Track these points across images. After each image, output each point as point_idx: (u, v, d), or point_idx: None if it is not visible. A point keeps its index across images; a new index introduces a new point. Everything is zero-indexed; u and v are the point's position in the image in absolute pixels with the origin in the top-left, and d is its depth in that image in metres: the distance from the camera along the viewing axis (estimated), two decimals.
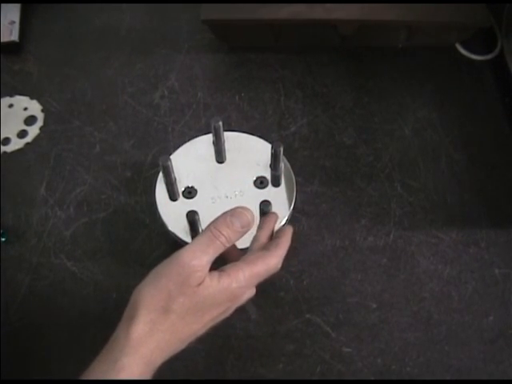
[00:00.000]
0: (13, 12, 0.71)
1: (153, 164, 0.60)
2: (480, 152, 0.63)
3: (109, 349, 0.37)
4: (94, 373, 0.36)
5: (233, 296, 0.40)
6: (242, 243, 0.46)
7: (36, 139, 0.62)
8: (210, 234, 0.40)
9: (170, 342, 0.38)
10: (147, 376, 0.37)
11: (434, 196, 0.59)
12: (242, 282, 0.40)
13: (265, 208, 0.47)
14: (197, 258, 0.38)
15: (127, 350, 0.36)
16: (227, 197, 0.54)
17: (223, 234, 0.40)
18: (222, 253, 0.41)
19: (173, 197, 0.53)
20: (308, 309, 0.53)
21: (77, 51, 0.70)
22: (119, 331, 0.37)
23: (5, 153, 0.61)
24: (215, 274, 0.39)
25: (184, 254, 0.38)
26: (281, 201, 0.54)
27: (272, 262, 0.42)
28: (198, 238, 0.40)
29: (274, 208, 0.49)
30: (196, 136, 0.58)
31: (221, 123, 0.51)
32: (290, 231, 0.47)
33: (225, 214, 0.42)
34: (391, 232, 0.57)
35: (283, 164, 0.54)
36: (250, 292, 0.43)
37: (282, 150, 0.50)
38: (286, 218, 0.53)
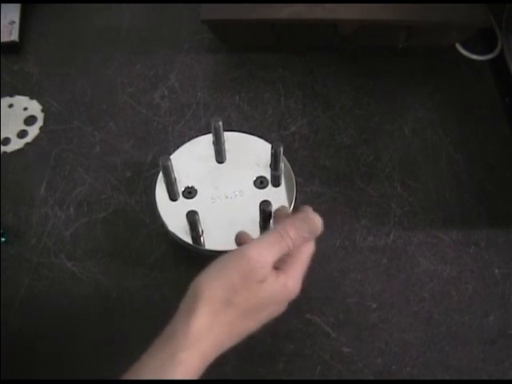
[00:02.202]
0: (13, 12, 0.71)
1: (153, 164, 0.60)
2: (480, 152, 0.63)
3: (165, 342, 0.36)
4: (147, 367, 0.35)
5: (289, 295, 0.40)
6: (234, 245, 0.46)
7: (36, 139, 0.62)
8: (277, 234, 0.39)
9: (225, 337, 0.37)
10: (201, 371, 0.36)
11: (434, 196, 0.59)
12: (296, 279, 0.39)
13: (265, 208, 0.47)
14: (263, 254, 0.38)
15: (186, 344, 0.35)
16: (227, 197, 0.54)
17: (290, 236, 0.39)
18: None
19: (173, 197, 0.53)
20: (308, 309, 0.52)
21: (77, 51, 0.70)
22: (177, 324, 0.36)
23: (5, 153, 0.61)
24: (273, 271, 0.39)
25: (250, 249, 0.38)
26: (281, 201, 0.54)
27: (311, 249, 0.42)
28: (265, 236, 0.39)
29: (274, 208, 0.49)
30: (196, 136, 0.58)
31: (221, 123, 0.51)
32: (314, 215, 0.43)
33: (294, 217, 0.41)
34: (391, 232, 0.57)
35: (283, 164, 0.54)
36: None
37: (281, 149, 0.50)
38: None
